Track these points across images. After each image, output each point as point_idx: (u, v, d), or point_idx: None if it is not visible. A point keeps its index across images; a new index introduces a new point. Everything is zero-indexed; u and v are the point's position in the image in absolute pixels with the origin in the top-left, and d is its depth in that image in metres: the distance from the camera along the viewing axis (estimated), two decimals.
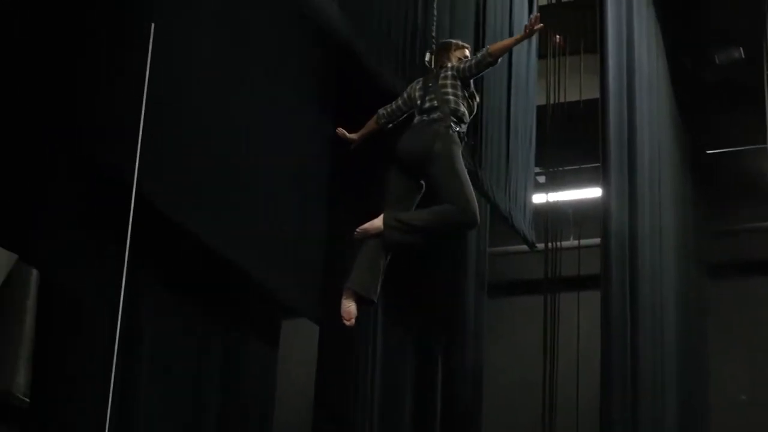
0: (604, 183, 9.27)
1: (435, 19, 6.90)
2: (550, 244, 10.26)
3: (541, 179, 11.72)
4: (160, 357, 6.57)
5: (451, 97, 5.88)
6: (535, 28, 5.94)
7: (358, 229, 5.66)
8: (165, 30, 5.92)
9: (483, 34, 8.76)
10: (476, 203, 5.69)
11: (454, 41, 6.42)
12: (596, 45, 9.63)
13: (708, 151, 13.03)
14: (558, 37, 10.78)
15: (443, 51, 6.32)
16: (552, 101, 10.41)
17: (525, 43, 9.81)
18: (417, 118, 5.96)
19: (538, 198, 11.02)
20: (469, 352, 9.58)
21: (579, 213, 12.24)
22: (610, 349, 9.04)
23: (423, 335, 9.19)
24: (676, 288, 11.53)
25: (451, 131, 5.77)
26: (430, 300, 9.31)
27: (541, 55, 10.37)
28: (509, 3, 9.50)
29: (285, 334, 7.73)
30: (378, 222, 5.61)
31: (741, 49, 12.41)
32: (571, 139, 10.60)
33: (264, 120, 7.00)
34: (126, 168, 5.63)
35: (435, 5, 7.25)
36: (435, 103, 5.86)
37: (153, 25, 5.76)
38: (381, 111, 6.26)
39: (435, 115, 5.83)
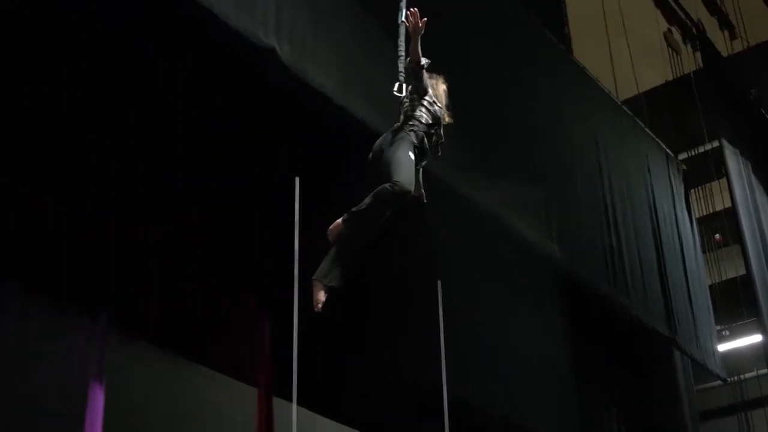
0: (763, 330, 13.37)
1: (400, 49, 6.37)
2: (737, 377, 14.11)
3: (725, 333, 15.58)
4: None
5: (407, 106, 6.13)
6: (418, 22, 5.84)
7: (327, 231, 5.87)
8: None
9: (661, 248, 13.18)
10: (408, 179, 5.72)
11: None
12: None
13: None
14: (716, 235, 14.92)
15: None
16: (717, 280, 14.58)
17: (692, 246, 14.13)
18: None
19: (725, 346, 15.01)
20: None
21: (758, 350, 15.29)
22: None
23: None
24: None
25: (404, 129, 6.00)
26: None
27: (704, 250, 14.73)
28: (675, 219, 13.91)
29: None
30: (338, 220, 5.83)
31: None
32: (742, 301, 14.70)
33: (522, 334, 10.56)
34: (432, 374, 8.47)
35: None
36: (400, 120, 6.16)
37: None
38: None
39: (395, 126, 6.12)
